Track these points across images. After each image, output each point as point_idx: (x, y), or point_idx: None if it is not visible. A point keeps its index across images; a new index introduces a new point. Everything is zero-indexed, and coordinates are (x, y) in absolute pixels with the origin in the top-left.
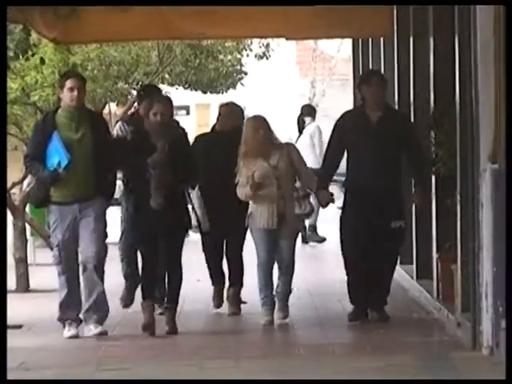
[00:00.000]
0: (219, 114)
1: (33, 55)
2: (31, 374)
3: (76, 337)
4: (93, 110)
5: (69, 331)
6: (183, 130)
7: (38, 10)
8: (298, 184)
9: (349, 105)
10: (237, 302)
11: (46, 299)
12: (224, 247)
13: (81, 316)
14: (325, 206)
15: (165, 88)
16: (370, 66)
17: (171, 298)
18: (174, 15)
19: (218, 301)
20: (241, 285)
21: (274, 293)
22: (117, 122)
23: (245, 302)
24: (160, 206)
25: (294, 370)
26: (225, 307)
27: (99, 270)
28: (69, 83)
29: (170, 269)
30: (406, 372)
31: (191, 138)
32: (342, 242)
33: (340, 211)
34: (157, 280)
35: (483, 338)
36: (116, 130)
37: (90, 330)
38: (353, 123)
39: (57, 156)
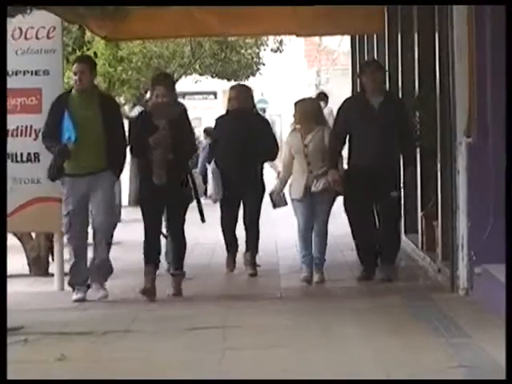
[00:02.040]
0: (229, 97)
1: (87, 50)
2: (87, 312)
3: (83, 300)
4: (104, 93)
5: (77, 295)
6: (183, 106)
7: (90, 12)
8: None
9: (348, 90)
10: (254, 264)
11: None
12: (238, 216)
13: (88, 282)
14: (333, 183)
15: (196, 77)
16: (366, 58)
17: (176, 264)
18: (204, 17)
19: (231, 266)
20: (256, 250)
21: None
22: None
23: (259, 265)
24: (162, 183)
25: (305, 311)
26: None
27: (106, 236)
28: (74, 68)
29: (174, 238)
30: (393, 311)
31: (217, 118)
32: (348, 213)
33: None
34: (158, 247)
35: (460, 281)
36: (134, 112)
37: (95, 294)
38: (355, 108)
39: (67, 132)
